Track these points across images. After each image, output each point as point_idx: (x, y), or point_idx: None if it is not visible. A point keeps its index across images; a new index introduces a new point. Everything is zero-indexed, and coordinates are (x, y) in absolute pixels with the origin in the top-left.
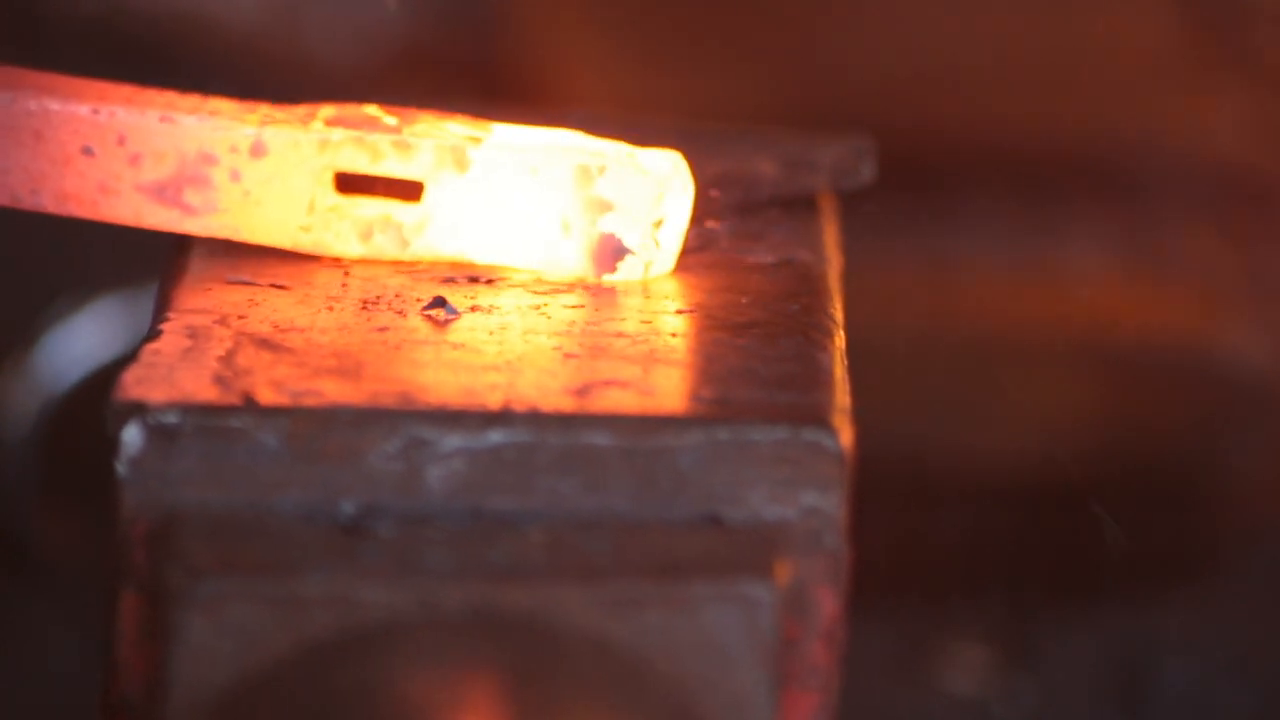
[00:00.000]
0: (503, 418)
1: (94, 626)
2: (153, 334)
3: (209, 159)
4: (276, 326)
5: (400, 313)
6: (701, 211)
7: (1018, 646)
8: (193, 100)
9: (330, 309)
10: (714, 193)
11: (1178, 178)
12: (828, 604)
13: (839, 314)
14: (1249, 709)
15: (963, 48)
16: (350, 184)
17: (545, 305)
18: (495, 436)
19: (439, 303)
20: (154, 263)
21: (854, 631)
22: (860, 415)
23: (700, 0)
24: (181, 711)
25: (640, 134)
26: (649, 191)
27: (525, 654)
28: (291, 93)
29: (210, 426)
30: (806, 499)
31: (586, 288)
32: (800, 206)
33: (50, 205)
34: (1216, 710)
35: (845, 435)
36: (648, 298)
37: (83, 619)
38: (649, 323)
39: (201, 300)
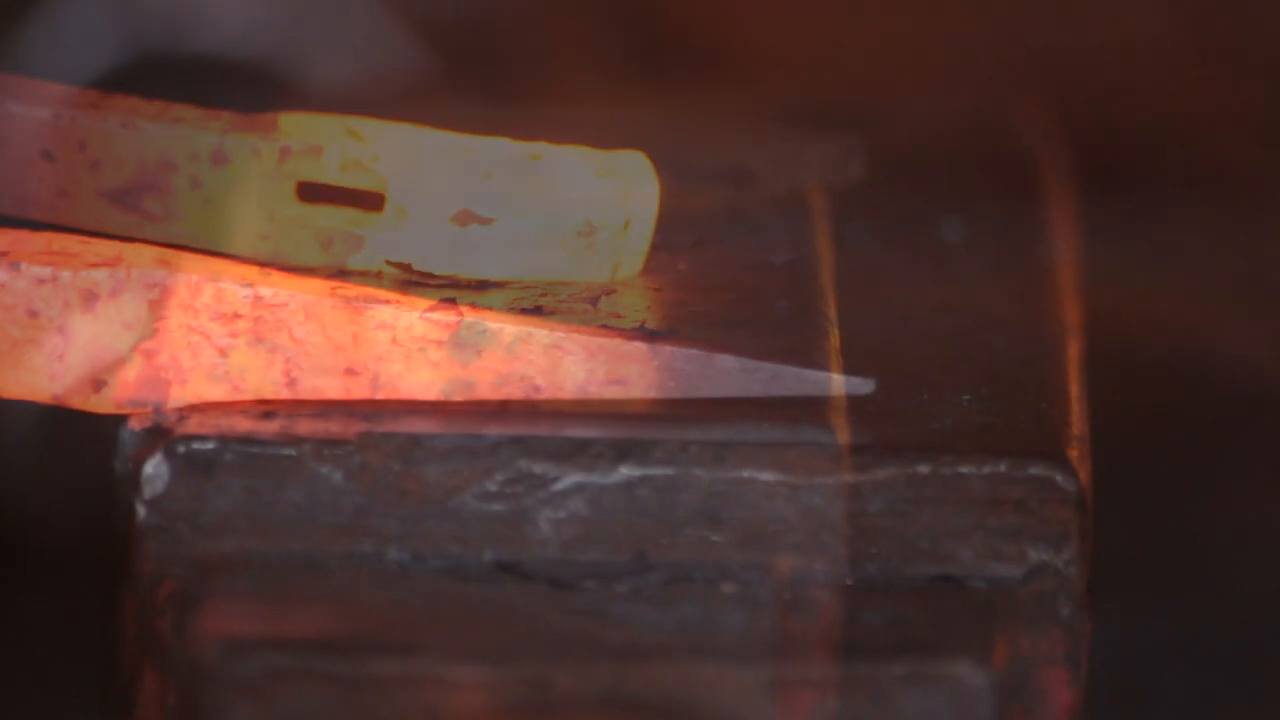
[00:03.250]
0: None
1: (92, 625)
2: (149, 333)
3: (169, 166)
4: (285, 329)
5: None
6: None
7: None
8: (156, 107)
9: (333, 309)
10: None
11: (1178, 176)
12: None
13: (833, 313)
14: (1249, 709)
15: (961, 44)
16: (313, 193)
17: (542, 306)
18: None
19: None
20: None
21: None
22: (862, 414)
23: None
24: None
25: (616, 133)
26: (614, 193)
27: None
28: (291, 98)
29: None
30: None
31: (584, 288)
32: (794, 205)
33: (9, 208)
34: (1216, 710)
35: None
36: (642, 297)
37: (82, 618)
38: (644, 322)
39: (199, 299)
